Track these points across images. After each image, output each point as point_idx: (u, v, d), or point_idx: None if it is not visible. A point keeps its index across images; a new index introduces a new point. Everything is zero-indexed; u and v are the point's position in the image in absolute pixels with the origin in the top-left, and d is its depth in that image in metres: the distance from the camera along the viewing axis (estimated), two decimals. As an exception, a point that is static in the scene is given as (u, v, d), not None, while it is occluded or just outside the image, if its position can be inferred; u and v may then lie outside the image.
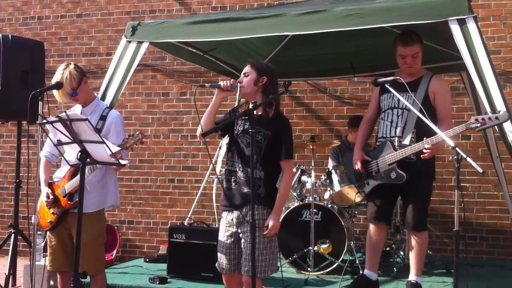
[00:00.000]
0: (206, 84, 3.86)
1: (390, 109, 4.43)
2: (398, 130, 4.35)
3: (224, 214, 3.72)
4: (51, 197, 4.00)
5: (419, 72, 4.46)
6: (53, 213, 4.01)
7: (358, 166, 4.52)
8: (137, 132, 3.86)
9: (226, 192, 3.70)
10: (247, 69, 3.69)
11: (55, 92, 4.01)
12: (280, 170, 3.66)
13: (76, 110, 4.16)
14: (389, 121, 4.42)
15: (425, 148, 4.06)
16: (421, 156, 4.12)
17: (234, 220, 3.63)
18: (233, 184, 3.65)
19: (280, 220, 5.39)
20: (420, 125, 4.21)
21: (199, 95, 7.20)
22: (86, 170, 3.81)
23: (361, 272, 4.78)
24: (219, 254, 3.69)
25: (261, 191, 3.56)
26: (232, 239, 3.64)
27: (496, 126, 3.93)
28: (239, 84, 3.64)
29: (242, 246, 3.59)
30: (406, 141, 4.28)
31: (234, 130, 3.72)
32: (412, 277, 4.40)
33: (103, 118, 4.04)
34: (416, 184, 4.29)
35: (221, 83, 3.63)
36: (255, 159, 3.52)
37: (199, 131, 3.68)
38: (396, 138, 4.34)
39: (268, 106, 3.62)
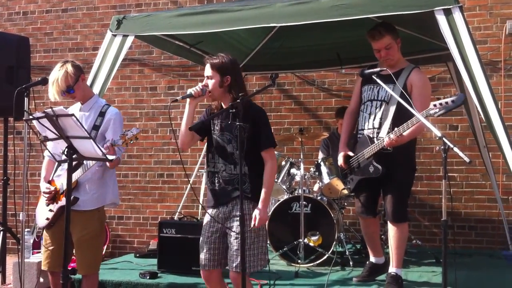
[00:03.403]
0: (178, 98, 3.67)
1: (369, 101, 4.46)
2: (376, 122, 4.38)
3: (209, 210, 3.66)
4: (51, 188, 3.93)
5: (401, 64, 4.43)
6: (50, 210, 3.95)
7: (340, 162, 4.61)
8: (134, 128, 3.73)
9: (211, 193, 3.66)
10: (208, 72, 3.57)
11: (50, 91, 3.89)
12: (263, 161, 3.57)
13: (74, 107, 4.10)
14: (368, 113, 4.45)
15: (389, 137, 4.11)
16: (384, 144, 4.17)
17: (220, 215, 3.58)
18: (217, 185, 3.61)
19: (270, 213, 5.47)
20: (397, 118, 4.24)
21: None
22: (80, 168, 3.79)
23: (368, 261, 4.84)
24: (201, 250, 3.62)
25: (246, 187, 3.51)
26: (217, 235, 3.58)
27: (486, 121, 4.02)
28: (206, 89, 3.55)
29: (229, 242, 3.53)
30: (383, 133, 4.29)
31: (212, 130, 3.65)
32: (392, 269, 4.41)
33: (102, 114, 3.96)
34: (393, 175, 4.31)
35: (191, 91, 3.53)
36: (238, 154, 3.47)
37: (180, 143, 3.65)
38: (374, 130, 4.37)
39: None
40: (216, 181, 3.61)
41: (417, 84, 4.30)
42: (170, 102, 3.69)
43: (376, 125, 4.37)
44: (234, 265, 3.46)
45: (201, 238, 3.66)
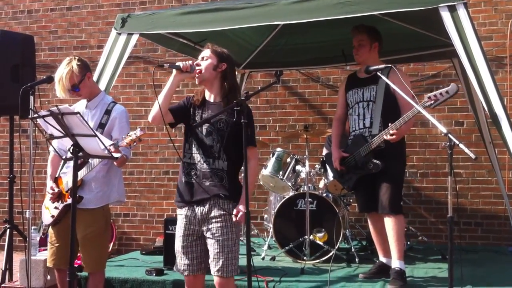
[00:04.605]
0: (165, 65, 3.56)
1: (357, 104, 4.62)
2: (366, 121, 4.54)
3: (183, 210, 3.48)
4: (56, 189, 3.92)
5: (379, 66, 4.43)
6: (56, 207, 3.95)
7: (337, 164, 4.69)
8: (138, 129, 3.61)
9: (185, 187, 3.45)
10: (206, 53, 3.51)
11: (57, 88, 3.87)
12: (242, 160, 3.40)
13: (80, 104, 4.10)
14: (357, 114, 4.61)
15: (389, 134, 4.24)
16: (390, 140, 4.27)
17: (197, 217, 3.41)
18: (194, 177, 3.41)
19: (276, 209, 5.48)
20: (386, 115, 4.41)
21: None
22: (85, 167, 3.79)
23: (376, 259, 4.90)
24: (178, 255, 3.48)
25: (225, 183, 3.38)
26: (194, 237, 3.43)
27: (492, 117, 4.01)
28: (197, 68, 3.45)
29: (209, 245, 3.40)
30: (375, 131, 4.44)
31: (192, 120, 3.51)
32: (395, 263, 4.43)
33: (108, 112, 3.94)
34: (388, 169, 4.42)
35: (180, 64, 3.40)
36: (218, 148, 3.39)
37: (151, 116, 3.43)
38: (366, 129, 4.52)
39: (230, 93, 3.45)
40: (193, 173, 3.43)
41: (398, 81, 4.33)
42: (155, 68, 3.62)
43: (368, 124, 4.53)
44: (217, 269, 3.34)
45: (176, 242, 3.51)
